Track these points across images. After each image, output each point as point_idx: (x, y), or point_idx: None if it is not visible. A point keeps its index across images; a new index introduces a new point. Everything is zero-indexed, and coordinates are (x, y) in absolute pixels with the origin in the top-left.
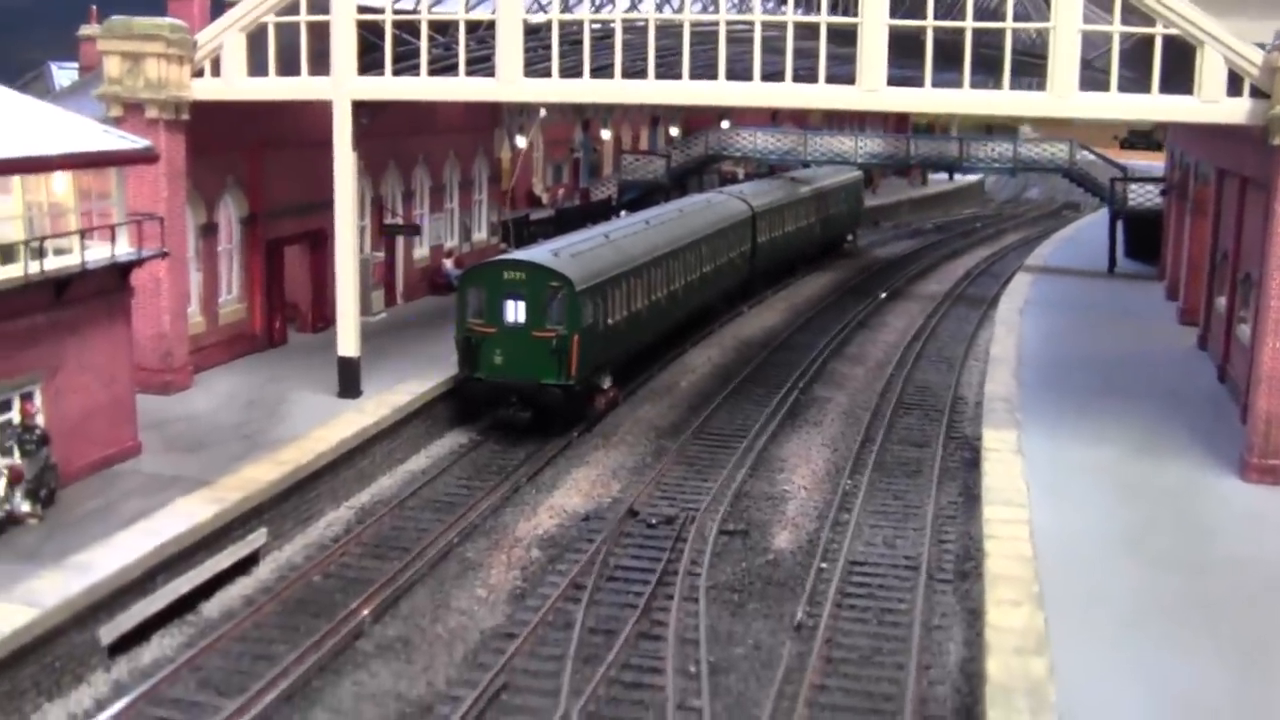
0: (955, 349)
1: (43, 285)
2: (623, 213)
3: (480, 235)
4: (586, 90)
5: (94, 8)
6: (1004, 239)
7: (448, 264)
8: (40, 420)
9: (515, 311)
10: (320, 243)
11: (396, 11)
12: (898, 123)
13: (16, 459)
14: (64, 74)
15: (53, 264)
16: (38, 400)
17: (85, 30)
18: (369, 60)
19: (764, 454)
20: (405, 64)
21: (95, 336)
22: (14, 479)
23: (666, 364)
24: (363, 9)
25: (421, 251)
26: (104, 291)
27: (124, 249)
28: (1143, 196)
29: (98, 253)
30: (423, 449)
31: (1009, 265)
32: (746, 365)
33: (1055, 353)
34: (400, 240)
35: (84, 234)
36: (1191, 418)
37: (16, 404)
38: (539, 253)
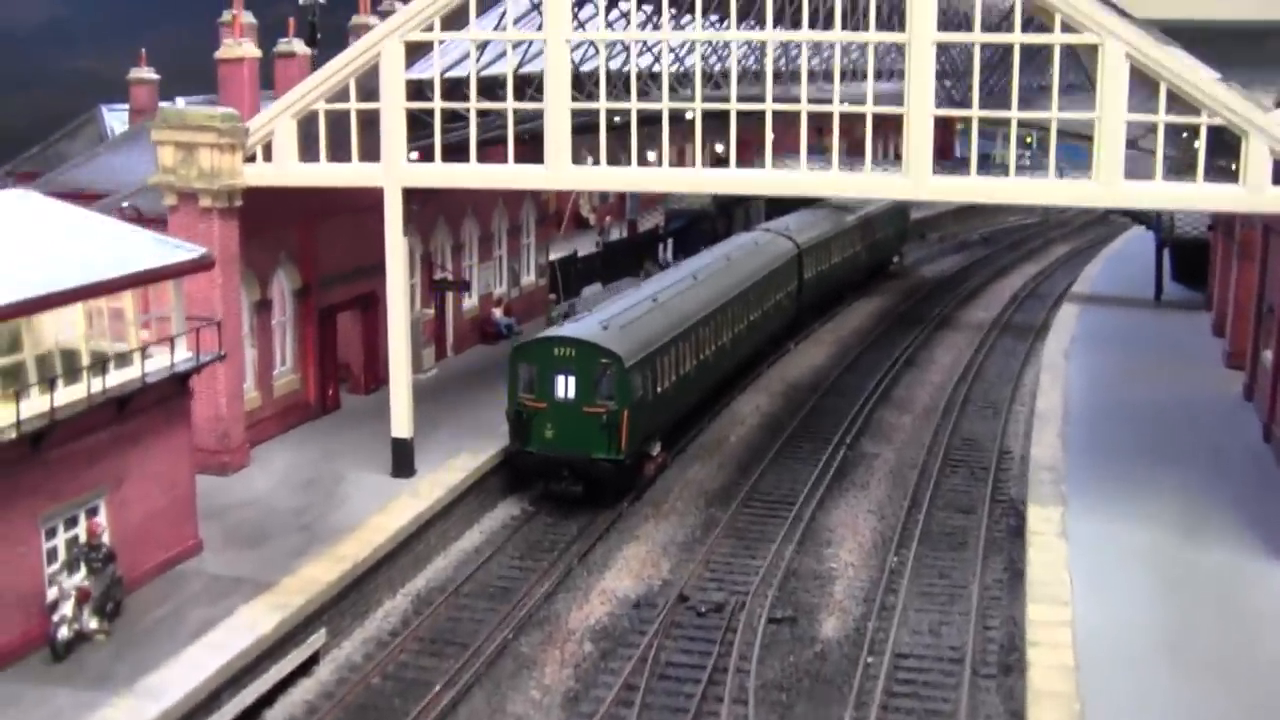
0: (1001, 390)
1: (105, 404)
2: (669, 246)
3: (529, 279)
4: (633, 179)
5: (144, 51)
6: (1052, 252)
7: (497, 313)
8: (105, 535)
9: (566, 387)
10: (372, 305)
11: (445, 98)
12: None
13: (84, 578)
14: (114, 117)
15: (114, 379)
16: (103, 514)
17: (134, 74)
18: (416, 135)
19: (812, 524)
20: (454, 131)
21: (156, 444)
22: (81, 598)
23: (716, 413)
24: (412, 95)
25: (471, 302)
26: (164, 399)
27: (182, 354)
28: (1190, 224)
29: (158, 362)
30: (476, 524)
31: (1056, 285)
32: (794, 415)
33: (1101, 403)
34: (450, 292)
35: (144, 349)
36: (1237, 488)
37: (82, 521)
38: (589, 327)
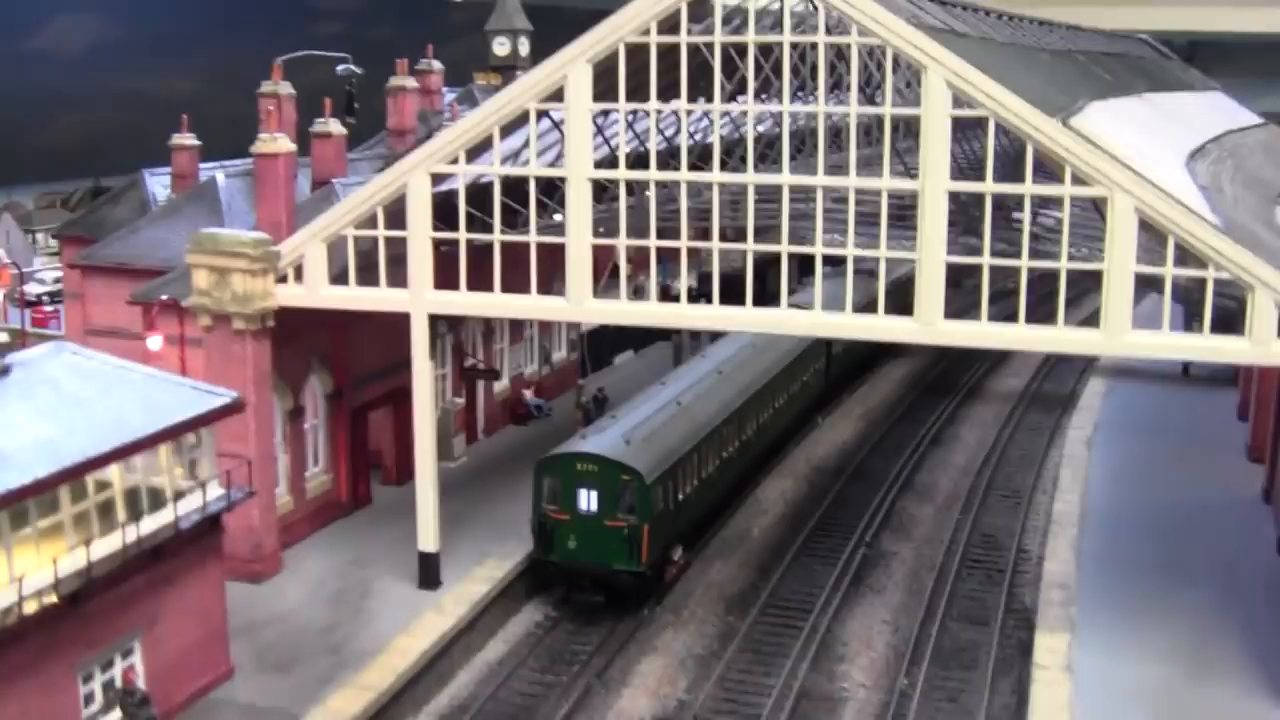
0: (1025, 478)
1: (140, 554)
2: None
3: (560, 354)
4: (650, 314)
5: (185, 116)
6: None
7: (528, 394)
8: (140, 673)
9: (588, 500)
10: (404, 399)
11: (470, 231)
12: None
13: None
14: (157, 181)
15: (149, 526)
16: (137, 653)
17: (176, 140)
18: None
19: (827, 636)
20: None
21: (189, 581)
22: None
23: (741, 501)
24: (439, 207)
25: (502, 385)
26: (197, 537)
27: (215, 492)
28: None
29: (191, 503)
30: (500, 632)
31: None
32: (819, 505)
33: (1120, 504)
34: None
35: (177, 497)
36: (1248, 613)
37: (118, 662)
38: (611, 441)
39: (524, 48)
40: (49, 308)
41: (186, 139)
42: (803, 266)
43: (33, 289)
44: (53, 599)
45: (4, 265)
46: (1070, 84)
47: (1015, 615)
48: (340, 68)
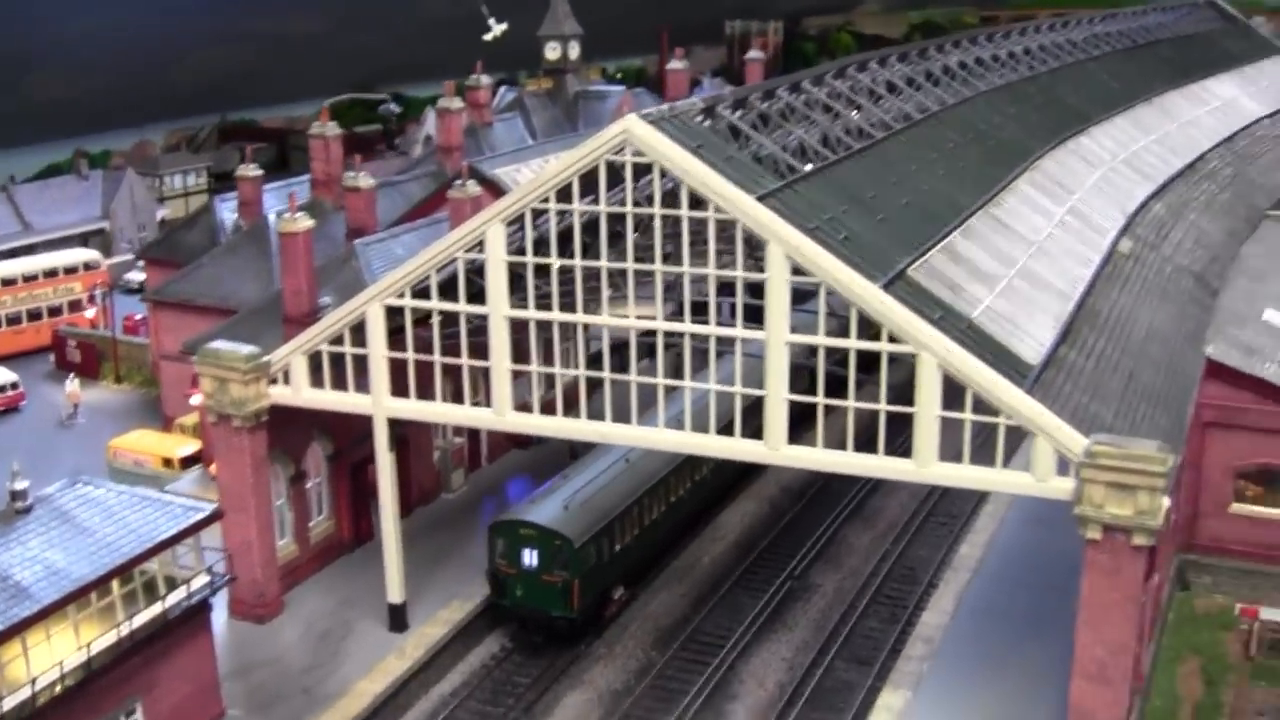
0: (964, 504)
1: (134, 643)
2: None
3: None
4: (567, 428)
5: (249, 147)
6: None
7: None
8: None
9: (530, 558)
10: (403, 444)
11: (418, 352)
12: None
13: None
14: (225, 207)
15: (140, 620)
16: (139, 713)
17: (241, 171)
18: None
19: (729, 673)
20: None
21: (182, 653)
22: None
23: (702, 529)
24: (393, 341)
25: None
26: (187, 619)
27: (200, 582)
28: None
29: (178, 594)
30: (459, 664)
31: None
32: (773, 529)
33: (1023, 547)
34: None
35: (170, 588)
36: None
37: None
38: (551, 507)
39: (574, 52)
40: (139, 316)
41: (250, 170)
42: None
43: (135, 276)
44: (58, 690)
45: (101, 269)
46: (969, 178)
47: (897, 655)
48: (380, 108)
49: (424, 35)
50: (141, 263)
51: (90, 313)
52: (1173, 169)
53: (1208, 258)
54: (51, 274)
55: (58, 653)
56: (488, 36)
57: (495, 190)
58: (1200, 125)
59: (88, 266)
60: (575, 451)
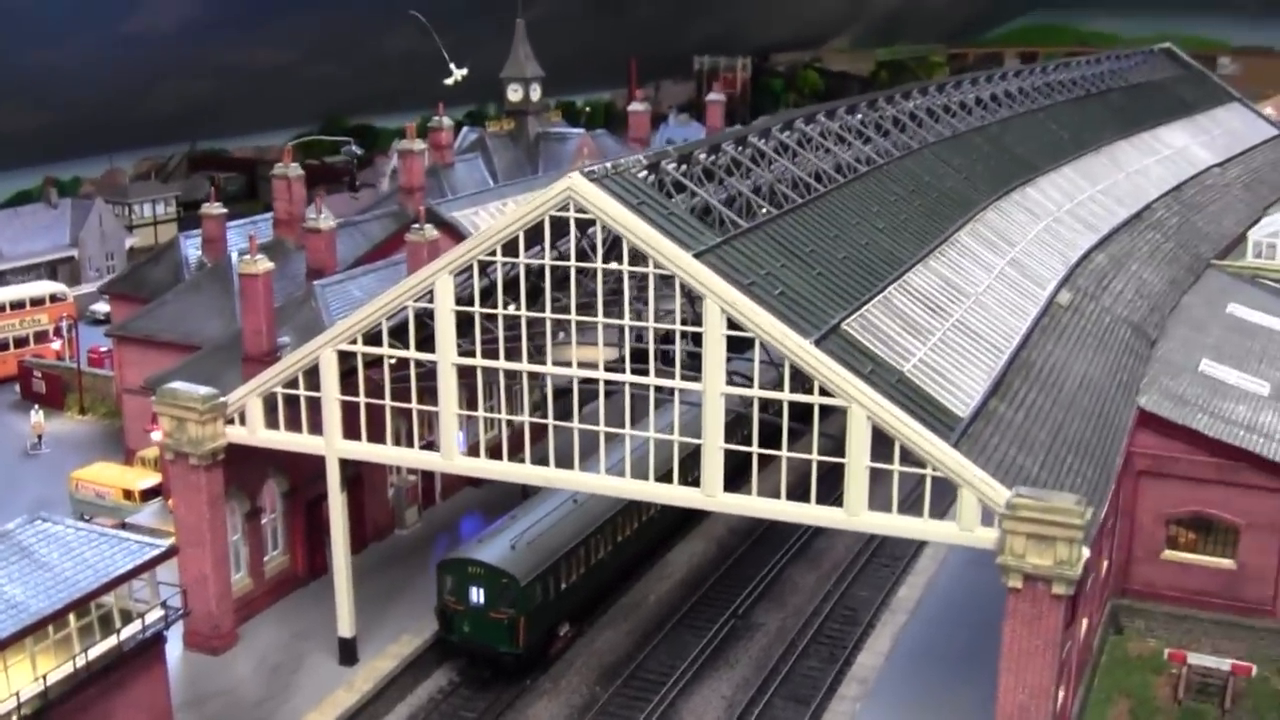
0: (907, 546)
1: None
2: None
3: None
4: (512, 472)
5: (219, 177)
6: None
7: None
8: None
9: (477, 595)
10: (357, 482)
11: (370, 395)
12: None
13: None
14: (190, 244)
15: (96, 652)
16: None
17: (205, 209)
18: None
19: (670, 709)
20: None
21: (138, 683)
22: None
23: (649, 567)
24: (345, 384)
25: None
26: (142, 651)
27: (154, 616)
28: None
29: (132, 628)
30: (408, 697)
31: None
32: (719, 568)
33: (962, 587)
34: None
35: (125, 622)
36: None
37: None
38: (498, 547)
39: (535, 93)
40: (104, 349)
41: (214, 209)
42: None
43: (101, 307)
44: (17, 718)
45: (68, 301)
46: (910, 231)
47: (832, 694)
48: (342, 149)
49: (390, 67)
50: (106, 296)
51: (56, 344)
52: (1118, 219)
53: (1147, 308)
54: (18, 305)
55: (15, 683)
56: (448, 81)
57: (453, 234)
58: (1149, 174)
59: (54, 299)
60: (526, 491)
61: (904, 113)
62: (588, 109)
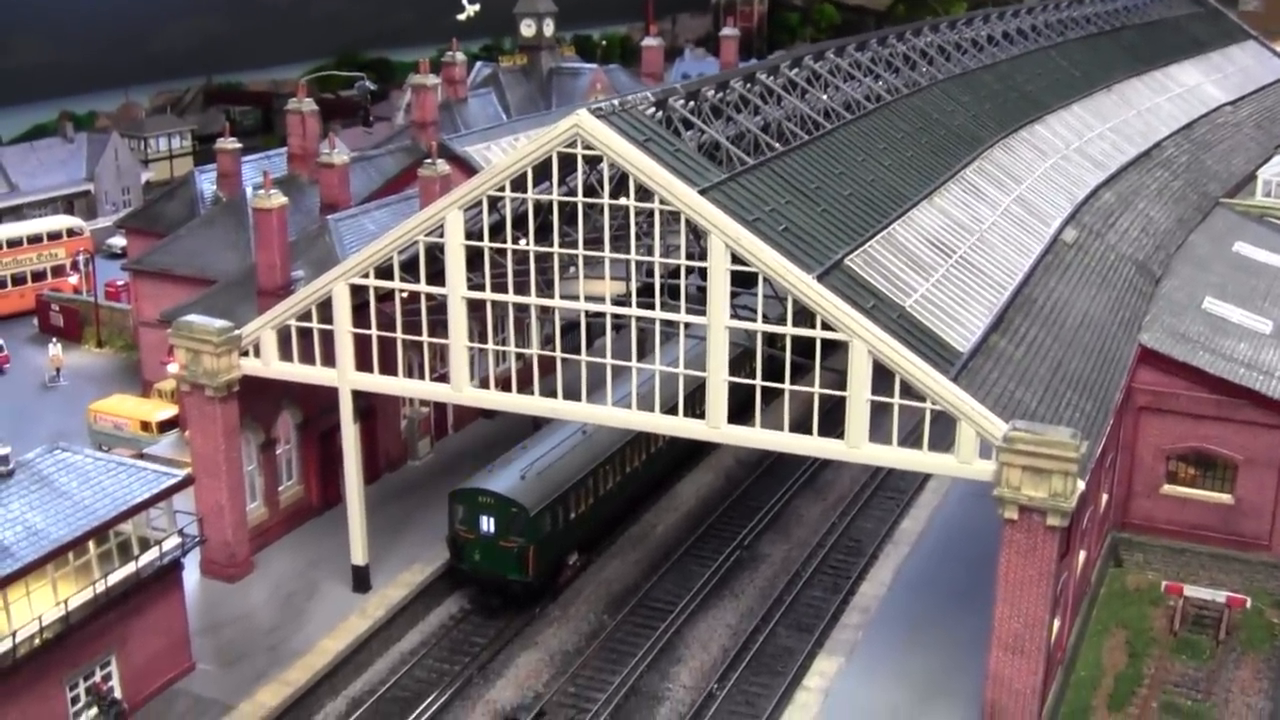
0: (912, 479)
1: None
2: None
3: None
4: (521, 404)
5: (228, 120)
6: None
7: None
8: (115, 677)
9: (487, 524)
10: (370, 414)
11: (381, 329)
12: None
13: (95, 717)
14: (205, 178)
15: (115, 578)
16: (113, 664)
17: (220, 144)
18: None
19: (674, 638)
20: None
21: (154, 609)
22: None
23: (657, 499)
24: (358, 317)
25: None
26: (159, 577)
27: (171, 544)
28: None
29: (150, 555)
30: (420, 623)
31: None
32: (726, 499)
33: (963, 522)
34: None
35: (144, 548)
36: None
37: (98, 673)
38: (508, 477)
39: (549, 28)
40: (120, 282)
41: (229, 143)
42: None
43: (117, 241)
44: (37, 642)
45: (84, 235)
46: (916, 168)
47: (834, 623)
48: (356, 85)
49: (405, 1)
50: (123, 230)
51: (73, 278)
52: (1127, 157)
53: (1153, 246)
54: (36, 240)
55: (37, 608)
56: (461, 17)
57: (465, 168)
58: (1159, 112)
59: (71, 233)
60: (537, 422)
61: (914, 50)
62: (604, 43)
